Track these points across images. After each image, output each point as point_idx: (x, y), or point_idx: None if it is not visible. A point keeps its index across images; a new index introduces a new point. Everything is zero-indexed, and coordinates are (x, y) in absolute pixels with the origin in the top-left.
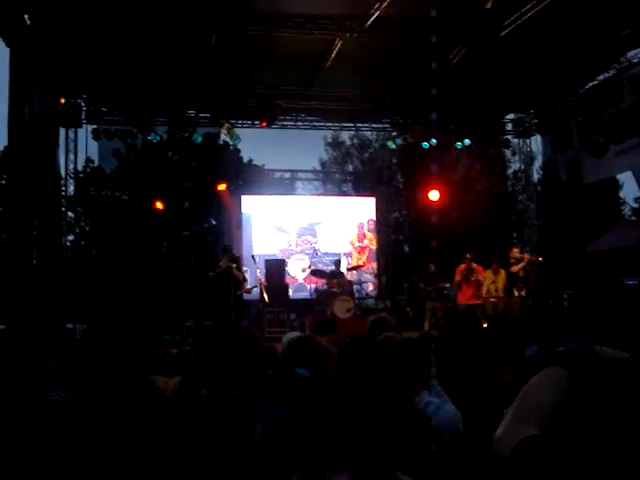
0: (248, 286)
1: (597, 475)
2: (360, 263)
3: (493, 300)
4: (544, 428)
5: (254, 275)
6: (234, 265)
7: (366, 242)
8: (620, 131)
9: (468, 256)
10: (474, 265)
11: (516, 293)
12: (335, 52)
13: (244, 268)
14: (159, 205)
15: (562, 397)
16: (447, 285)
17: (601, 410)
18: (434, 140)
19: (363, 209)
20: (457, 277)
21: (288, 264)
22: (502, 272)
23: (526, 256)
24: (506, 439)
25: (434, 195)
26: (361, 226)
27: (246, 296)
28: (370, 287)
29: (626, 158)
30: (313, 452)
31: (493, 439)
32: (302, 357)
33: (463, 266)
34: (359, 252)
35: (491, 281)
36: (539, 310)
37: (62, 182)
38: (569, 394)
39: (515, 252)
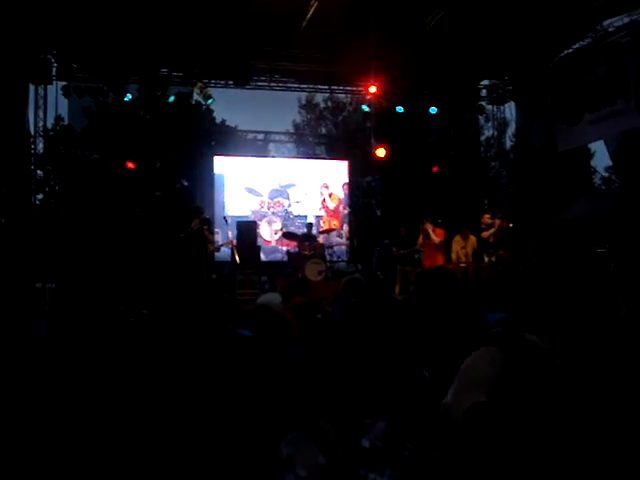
0: (217, 245)
1: (531, 432)
2: (332, 226)
3: (462, 265)
4: (486, 396)
5: (226, 236)
6: (205, 227)
7: (333, 204)
8: (594, 100)
9: (424, 220)
10: (428, 228)
11: (486, 259)
12: (311, 12)
13: (216, 230)
14: (130, 165)
15: (498, 372)
16: (417, 248)
17: (527, 382)
18: (400, 107)
19: (336, 172)
20: (419, 241)
21: (260, 226)
22: (472, 238)
23: (496, 222)
24: (456, 405)
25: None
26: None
27: (218, 257)
28: (342, 250)
29: (599, 127)
30: (348, 400)
31: (442, 405)
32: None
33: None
34: (331, 215)
35: (461, 246)
36: (507, 276)
37: (31, 140)
38: (504, 370)
39: (486, 218)
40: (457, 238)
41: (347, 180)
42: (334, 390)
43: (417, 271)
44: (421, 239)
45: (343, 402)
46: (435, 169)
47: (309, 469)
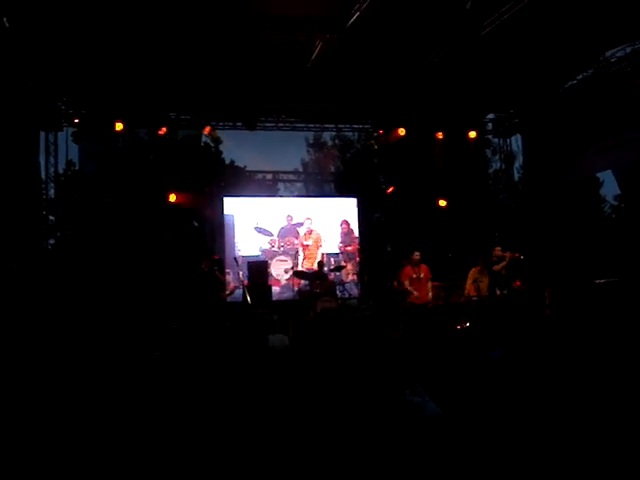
0: (227, 291)
1: None
2: (343, 264)
3: (475, 299)
4: None
5: (237, 277)
6: (216, 268)
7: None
8: (600, 130)
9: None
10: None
11: (498, 292)
12: (315, 53)
13: (227, 270)
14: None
15: None
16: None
17: None
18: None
19: (345, 210)
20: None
21: (271, 265)
22: (487, 271)
23: (508, 254)
24: None
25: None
26: (346, 226)
27: (230, 298)
28: (353, 287)
29: (606, 157)
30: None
31: None
32: None
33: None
34: (342, 253)
35: (473, 279)
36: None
37: (43, 185)
38: None
39: (497, 251)
40: (473, 271)
41: (357, 217)
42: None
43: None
44: (405, 275)
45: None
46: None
47: None
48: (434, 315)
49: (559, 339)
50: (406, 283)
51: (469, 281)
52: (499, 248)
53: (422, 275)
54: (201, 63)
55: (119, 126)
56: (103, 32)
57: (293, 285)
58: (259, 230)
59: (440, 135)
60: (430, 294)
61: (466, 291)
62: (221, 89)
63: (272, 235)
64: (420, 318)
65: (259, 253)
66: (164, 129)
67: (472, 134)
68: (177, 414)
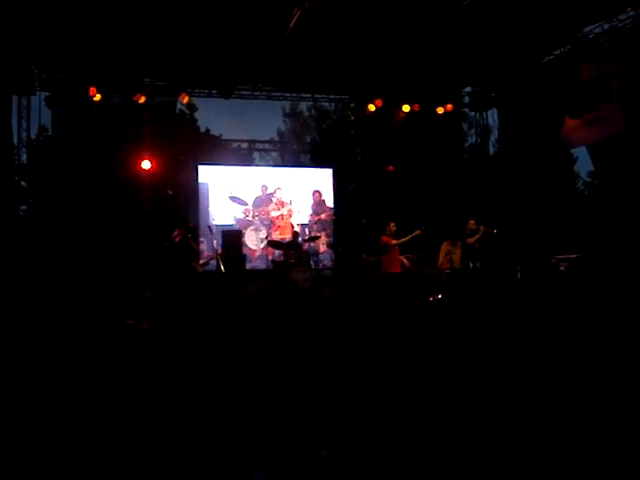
0: (202, 261)
1: None
2: (317, 234)
3: (447, 271)
4: None
5: (211, 246)
6: (190, 235)
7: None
8: (576, 106)
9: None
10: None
11: (471, 265)
12: (294, 21)
13: (201, 239)
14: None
15: None
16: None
17: None
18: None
19: (320, 180)
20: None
21: (245, 235)
22: (460, 244)
23: (481, 228)
24: None
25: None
26: (318, 196)
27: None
28: (327, 257)
29: (582, 133)
30: None
31: None
32: None
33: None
34: (316, 223)
35: (446, 252)
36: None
37: (15, 151)
38: None
39: (471, 224)
40: (445, 244)
41: (332, 188)
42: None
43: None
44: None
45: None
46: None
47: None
48: (408, 286)
49: (527, 313)
50: (393, 242)
51: (442, 254)
52: (473, 221)
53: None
54: (178, 29)
55: (96, 95)
56: None
57: (267, 255)
58: (233, 199)
59: (416, 108)
60: (404, 263)
61: (439, 263)
62: (197, 56)
63: (247, 205)
64: (394, 288)
65: (233, 222)
66: (142, 97)
67: (441, 109)
68: (155, 383)
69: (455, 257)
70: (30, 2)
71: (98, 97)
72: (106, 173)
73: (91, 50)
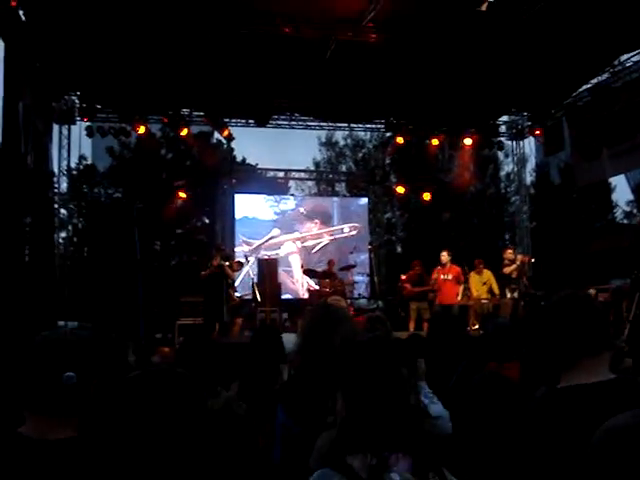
0: (237, 294)
1: None
2: (353, 263)
3: (484, 301)
4: None
5: (247, 275)
6: (227, 263)
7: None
8: (613, 134)
9: (442, 254)
10: (446, 265)
11: (508, 294)
12: (330, 52)
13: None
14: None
15: None
16: (431, 287)
17: None
18: (436, 140)
19: (356, 209)
20: (433, 275)
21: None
22: (486, 272)
23: (519, 257)
24: None
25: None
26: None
27: (239, 294)
28: (363, 286)
29: (618, 161)
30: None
31: None
32: None
33: (437, 268)
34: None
35: (481, 282)
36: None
37: (55, 179)
38: None
39: (509, 253)
40: (472, 273)
41: (367, 217)
42: (356, 427)
43: (435, 308)
44: (436, 274)
45: (368, 437)
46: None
47: None
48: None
49: None
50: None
51: (473, 284)
52: (510, 250)
53: (450, 277)
54: (216, 59)
55: (140, 128)
56: (119, 25)
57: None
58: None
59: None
60: (459, 297)
61: (474, 293)
62: (234, 85)
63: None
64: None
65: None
66: (184, 129)
67: (469, 139)
68: None
69: (486, 287)
70: (71, 32)
71: (142, 129)
72: (145, 202)
73: (130, 80)
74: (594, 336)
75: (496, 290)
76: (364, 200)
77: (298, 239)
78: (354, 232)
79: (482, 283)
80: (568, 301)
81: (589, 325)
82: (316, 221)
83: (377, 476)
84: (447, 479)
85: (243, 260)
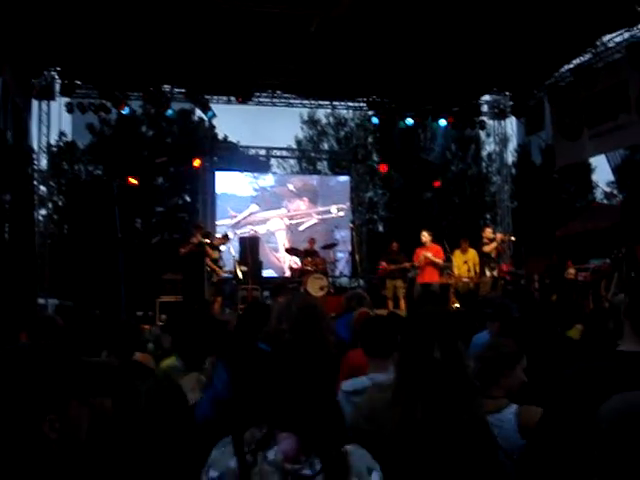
0: (223, 274)
1: None
2: (335, 242)
3: (465, 280)
4: None
5: (227, 252)
6: (207, 241)
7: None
8: (594, 115)
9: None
10: (427, 244)
11: (488, 273)
12: (313, 28)
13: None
14: (133, 180)
15: None
16: (408, 265)
17: None
18: (410, 120)
19: (338, 187)
20: (414, 258)
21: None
22: (471, 251)
23: (498, 236)
24: None
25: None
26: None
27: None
28: (344, 266)
29: (599, 142)
30: (263, 411)
31: None
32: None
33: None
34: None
35: (462, 260)
36: (508, 290)
37: (34, 156)
38: None
39: (488, 232)
40: (457, 252)
41: (349, 195)
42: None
43: (419, 286)
44: (418, 253)
45: (265, 412)
46: (437, 184)
47: (221, 470)
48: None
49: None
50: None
51: (456, 262)
52: (490, 229)
53: (430, 255)
54: (197, 34)
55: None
56: (99, 2)
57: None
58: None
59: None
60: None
61: (456, 272)
62: (216, 62)
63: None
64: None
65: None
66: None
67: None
68: None
69: (468, 265)
70: (51, 8)
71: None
72: (124, 179)
73: (110, 56)
74: None
75: (477, 269)
76: (345, 178)
77: (286, 216)
78: (342, 213)
79: (463, 262)
80: None
81: None
82: (304, 199)
83: (257, 450)
84: (333, 466)
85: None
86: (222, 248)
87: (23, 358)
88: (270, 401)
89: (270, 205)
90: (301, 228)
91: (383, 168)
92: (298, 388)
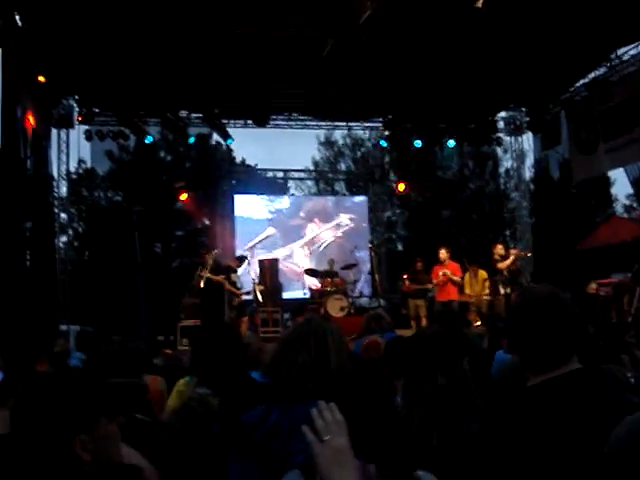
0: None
1: None
2: (354, 262)
3: (485, 298)
4: None
5: (247, 275)
6: (224, 276)
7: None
8: (610, 128)
9: (440, 251)
10: (445, 262)
11: (502, 290)
12: (327, 51)
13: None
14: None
15: None
16: (430, 286)
17: None
18: (418, 141)
19: (354, 207)
20: (433, 273)
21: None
22: (481, 273)
23: (512, 252)
24: None
25: (401, 187)
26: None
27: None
28: (364, 286)
29: (615, 156)
30: None
31: None
32: None
33: (437, 265)
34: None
35: (477, 281)
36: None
37: (54, 183)
38: None
39: (499, 248)
40: (467, 276)
41: (367, 216)
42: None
43: (439, 306)
44: (437, 271)
45: None
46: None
47: None
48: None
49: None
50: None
51: (467, 281)
52: (501, 246)
53: (449, 273)
54: (212, 60)
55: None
56: (116, 28)
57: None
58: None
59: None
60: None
61: (468, 291)
62: (232, 86)
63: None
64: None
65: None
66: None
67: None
68: None
69: (477, 283)
70: (70, 37)
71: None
72: (145, 205)
73: (128, 83)
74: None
75: (480, 289)
76: (362, 198)
77: (306, 244)
78: (352, 224)
79: (481, 281)
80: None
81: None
82: (315, 220)
83: None
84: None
85: (243, 256)
86: (239, 271)
87: (49, 381)
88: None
89: (285, 228)
90: (320, 248)
91: (401, 187)
92: (368, 415)
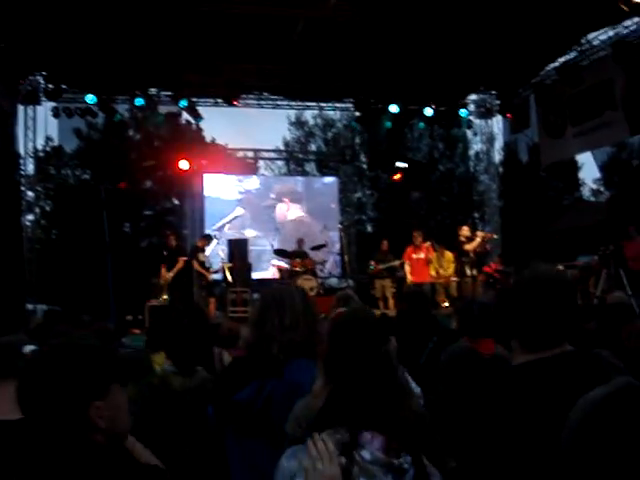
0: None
1: None
2: (324, 243)
3: (453, 279)
4: None
5: (216, 254)
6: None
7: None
8: (579, 112)
9: (415, 235)
10: (419, 245)
11: (468, 272)
12: (298, 31)
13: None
14: (123, 185)
15: None
16: (397, 263)
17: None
18: (389, 122)
19: (324, 188)
20: (404, 257)
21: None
22: (447, 254)
23: (479, 234)
24: None
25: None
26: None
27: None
28: (333, 266)
29: (583, 140)
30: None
31: None
32: None
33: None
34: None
35: (438, 263)
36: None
37: (21, 161)
38: None
39: (465, 230)
40: (436, 255)
41: (337, 196)
42: (336, 403)
43: (408, 287)
44: (410, 252)
45: (343, 415)
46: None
47: None
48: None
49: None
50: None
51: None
52: (466, 228)
53: (422, 256)
54: (182, 38)
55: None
56: (85, 5)
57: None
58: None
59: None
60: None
61: (433, 273)
62: (203, 65)
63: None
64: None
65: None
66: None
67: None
68: None
69: (441, 266)
70: (36, 13)
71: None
72: (112, 183)
73: (97, 60)
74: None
75: (447, 271)
76: (332, 179)
77: (275, 225)
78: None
79: (447, 262)
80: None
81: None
82: (285, 200)
83: (347, 453)
84: (421, 460)
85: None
86: (208, 250)
87: (61, 350)
88: (352, 404)
89: (255, 208)
90: (289, 229)
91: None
92: (378, 387)
